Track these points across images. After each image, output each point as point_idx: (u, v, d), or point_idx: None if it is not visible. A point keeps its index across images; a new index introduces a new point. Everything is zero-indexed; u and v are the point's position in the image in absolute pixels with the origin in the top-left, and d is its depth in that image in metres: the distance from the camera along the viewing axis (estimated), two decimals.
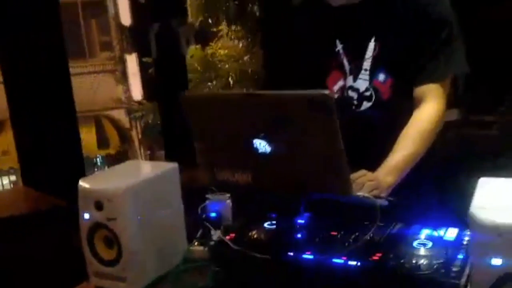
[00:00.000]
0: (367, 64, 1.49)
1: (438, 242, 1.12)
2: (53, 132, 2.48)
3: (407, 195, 1.41)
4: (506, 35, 2.87)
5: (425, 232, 1.17)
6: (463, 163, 2.37)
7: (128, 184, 1.22)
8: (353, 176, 1.31)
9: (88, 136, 11.49)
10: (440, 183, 1.63)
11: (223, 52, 5.33)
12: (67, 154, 2.50)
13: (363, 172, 1.33)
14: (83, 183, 1.25)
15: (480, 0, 3.03)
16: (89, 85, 12.09)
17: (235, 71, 4.84)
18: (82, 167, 2.60)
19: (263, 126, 1.08)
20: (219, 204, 1.43)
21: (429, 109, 1.46)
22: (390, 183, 1.37)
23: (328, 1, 1.49)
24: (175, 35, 2.73)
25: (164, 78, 2.88)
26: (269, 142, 1.09)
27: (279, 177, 1.13)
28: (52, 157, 2.45)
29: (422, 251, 1.09)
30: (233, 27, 5.09)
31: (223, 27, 5.28)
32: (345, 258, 1.07)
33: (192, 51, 5.61)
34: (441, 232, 1.17)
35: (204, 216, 1.39)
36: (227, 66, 5.28)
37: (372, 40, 1.48)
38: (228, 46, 5.30)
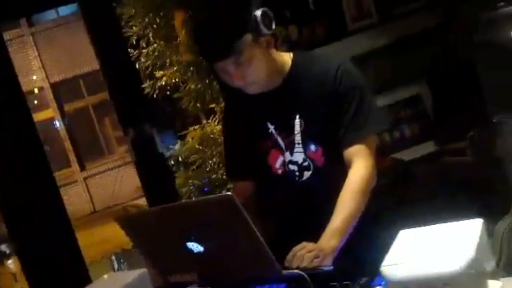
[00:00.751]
0: (298, 139, 1.64)
1: None
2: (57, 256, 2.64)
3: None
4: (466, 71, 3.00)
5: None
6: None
7: None
8: (294, 250, 1.42)
9: (120, 230, 11.64)
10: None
11: (219, 128, 5.52)
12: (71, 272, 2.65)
13: (302, 245, 1.44)
14: None
15: None
16: (113, 181, 12.40)
17: None
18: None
19: (190, 230, 1.22)
20: None
21: (359, 169, 1.57)
22: (334, 246, 1.47)
23: (248, 92, 1.64)
24: (150, 137, 2.92)
25: (147, 178, 3.06)
26: (200, 243, 1.23)
27: (218, 272, 1.25)
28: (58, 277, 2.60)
29: None
30: (222, 104, 5.31)
31: (214, 105, 5.50)
32: None
33: (192, 133, 5.81)
34: None
35: None
36: None
37: (297, 117, 1.63)
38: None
